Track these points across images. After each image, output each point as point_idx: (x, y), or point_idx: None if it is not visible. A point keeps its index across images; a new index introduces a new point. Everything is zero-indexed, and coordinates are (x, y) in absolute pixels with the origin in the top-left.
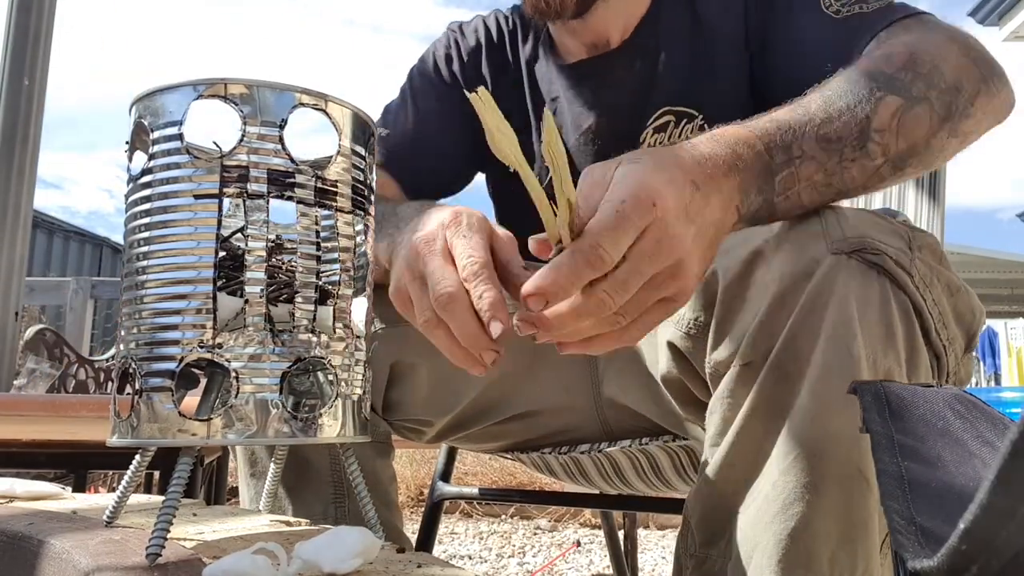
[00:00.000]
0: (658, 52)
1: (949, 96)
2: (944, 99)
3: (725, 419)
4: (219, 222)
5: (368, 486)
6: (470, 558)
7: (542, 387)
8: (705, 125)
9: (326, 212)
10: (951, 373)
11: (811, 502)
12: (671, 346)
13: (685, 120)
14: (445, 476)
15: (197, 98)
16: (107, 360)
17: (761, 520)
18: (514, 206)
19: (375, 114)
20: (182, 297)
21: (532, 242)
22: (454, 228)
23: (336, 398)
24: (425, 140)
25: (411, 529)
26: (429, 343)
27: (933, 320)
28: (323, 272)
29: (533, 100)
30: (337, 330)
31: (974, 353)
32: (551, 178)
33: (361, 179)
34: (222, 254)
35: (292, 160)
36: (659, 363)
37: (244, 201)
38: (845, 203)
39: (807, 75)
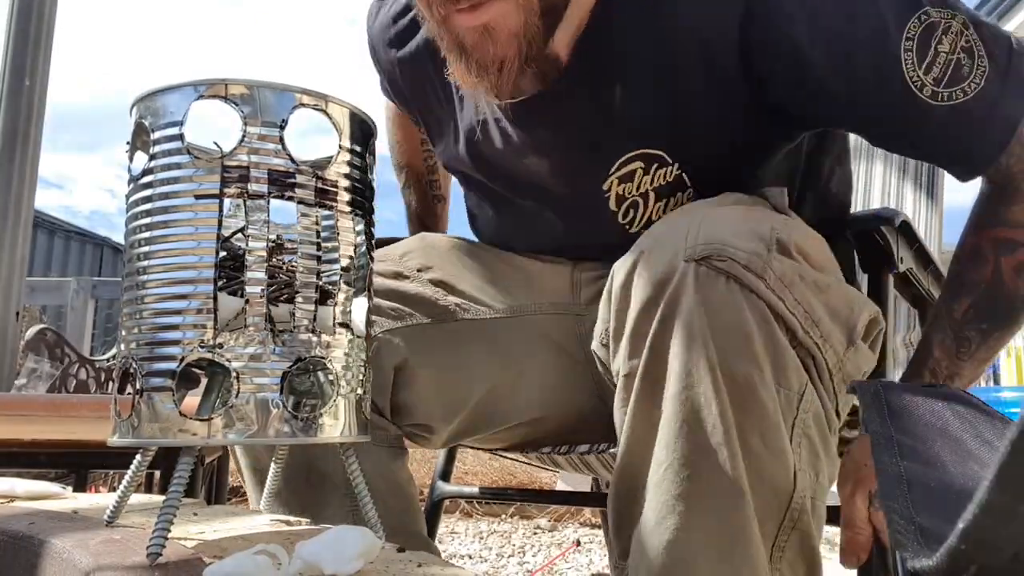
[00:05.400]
0: (614, 79)
1: None
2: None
3: (619, 429)
4: (220, 222)
5: (388, 491)
6: (470, 558)
7: (548, 393)
8: (683, 174)
9: (326, 212)
10: (833, 369)
11: (683, 514)
12: (596, 356)
13: (656, 165)
14: (445, 475)
15: (198, 98)
16: (108, 360)
17: (644, 533)
18: (483, 206)
19: (376, 115)
20: (183, 297)
21: None
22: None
23: (336, 398)
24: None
25: None
26: (433, 344)
27: (798, 319)
28: (323, 272)
29: (446, 95)
30: (337, 330)
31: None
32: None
33: (361, 179)
34: (223, 254)
35: (292, 160)
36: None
37: (245, 201)
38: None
39: (879, 138)
